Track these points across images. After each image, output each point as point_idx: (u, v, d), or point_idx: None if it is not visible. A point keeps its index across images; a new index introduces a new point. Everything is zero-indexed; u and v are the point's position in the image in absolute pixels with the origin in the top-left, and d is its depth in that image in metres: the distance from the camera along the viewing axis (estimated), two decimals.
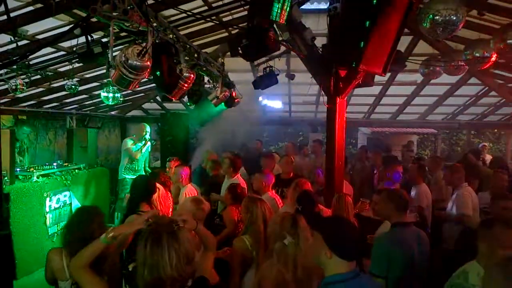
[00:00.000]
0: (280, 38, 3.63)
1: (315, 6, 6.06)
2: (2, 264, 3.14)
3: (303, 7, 4.79)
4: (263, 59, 5.45)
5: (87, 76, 6.36)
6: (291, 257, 2.32)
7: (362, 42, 3.67)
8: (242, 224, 3.67)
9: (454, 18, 3.81)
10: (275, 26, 3.49)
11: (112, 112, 9.70)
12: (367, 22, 3.63)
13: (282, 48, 4.55)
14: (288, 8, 3.08)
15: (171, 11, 4.48)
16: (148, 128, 7.05)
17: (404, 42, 6.22)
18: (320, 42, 4.61)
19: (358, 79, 4.36)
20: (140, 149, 6.80)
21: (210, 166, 6.11)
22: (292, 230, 2.42)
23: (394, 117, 9.98)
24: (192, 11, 4.36)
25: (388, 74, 7.03)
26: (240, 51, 3.45)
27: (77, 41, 4.41)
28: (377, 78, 5.15)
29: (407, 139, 10.99)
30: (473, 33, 5.28)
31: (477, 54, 4.83)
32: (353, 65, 3.85)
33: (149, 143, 7.06)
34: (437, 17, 3.84)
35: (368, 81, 4.71)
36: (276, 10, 3.01)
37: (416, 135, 12.09)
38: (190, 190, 4.86)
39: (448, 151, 10.71)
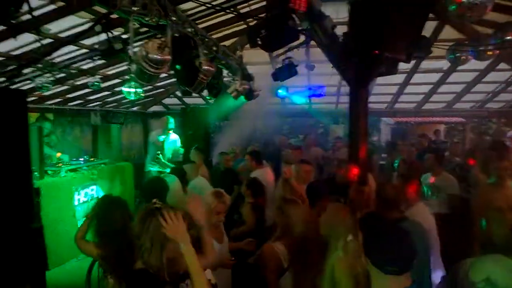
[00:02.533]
0: (300, 28, 3.56)
1: None
2: (35, 256, 3.24)
3: None
4: (282, 50, 5.38)
5: (109, 73, 6.47)
6: (357, 252, 2.20)
7: (385, 29, 3.57)
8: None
9: None
10: (294, 15, 3.41)
11: (134, 108, 9.85)
12: (390, 8, 3.54)
13: (301, 39, 4.48)
14: None
15: (188, 5, 4.47)
16: (171, 120, 7.12)
17: (429, 28, 6.00)
18: (340, 30, 4.52)
19: (381, 67, 4.25)
20: (163, 140, 6.88)
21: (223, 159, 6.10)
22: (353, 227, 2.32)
23: (419, 106, 9.70)
24: (210, 3, 4.33)
25: (413, 62, 6.81)
26: (259, 42, 3.40)
27: (98, 38, 4.51)
28: (401, 65, 5.00)
29: (433, 129, 10.67)
30: (501, 15, 5.03)
31: (508, 38, 4.60)
32: (376, 52, 3.76)
33: (175, 136, 7.13)
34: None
35: (391, 69, 4.58)
36: None
37: (443, 125, 11.71)
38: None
39: (477, 140, 10.36)
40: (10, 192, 2.99)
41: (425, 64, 7.56)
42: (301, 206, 3.12)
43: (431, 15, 4.80)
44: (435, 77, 8.20)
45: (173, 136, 7.16)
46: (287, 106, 8.88)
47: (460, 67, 6.88)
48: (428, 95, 9.07)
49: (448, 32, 6.04)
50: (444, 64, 7.24)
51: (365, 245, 1.72)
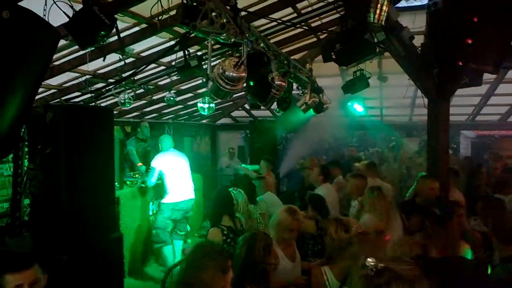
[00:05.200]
0: (376, 40, 3.43)
1: (410, 3, 5.66)
2: (115, 264, 3.43)
3: (397, 5, 4.51)
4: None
5: (182, 88, 6.80)
6: None
7: (470, 39, 3.31)
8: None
9: None
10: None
11: (204, 121, 10.23)
12: (476, 18, 3.27)
13: None
14: (386, 8, 2.89)
15: (260, 21, 4.55)
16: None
17: None
18: (416, 41, 4.29)
19: (465, 78, 3.95)
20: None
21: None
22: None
23: (504, 118, 8.85)
24: (282, 19, 4.36)
25: None
26: (334, 57, 3.33)
27: (176, 56, 4.76)
28: (485, 75, 4.61)
29: None
30: None
31: None
32: (460, 63, 3.49)
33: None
34: None
35: (476, 80, 4.24)
36: (373, 11, 2.84)
37: None
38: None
39: None
40: (98, 202, 3.22)
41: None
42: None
43: None
44: None
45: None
46: (356, 119, 8.62)
47: None
48: None
49: None
50: None
51: None
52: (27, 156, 3.82)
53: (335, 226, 2.65)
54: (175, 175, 5.67)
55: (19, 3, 2.07)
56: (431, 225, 2.61)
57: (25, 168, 3.82)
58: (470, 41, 3.22)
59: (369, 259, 1.32)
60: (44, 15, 2.40)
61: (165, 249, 5.41)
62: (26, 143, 3.29)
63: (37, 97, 3.01)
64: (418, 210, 3.50)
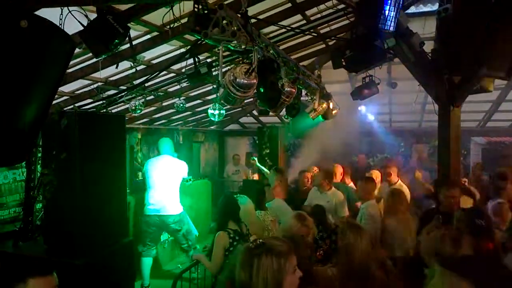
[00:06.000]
0: (386, 46, 3.43)
1: (419, 9, 5.66)
2: (127, 268, 3.46)
3: (407, 11, 4.51)
4: None
5: (192, 94, 6.85)
6: None
7: (482, 45, 3.30)
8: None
9: None
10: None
11: (212, 127, 10.28)
12: (488, 24, 3.26)
13: None
14: (397, 14, 2.90)
15: (269, 28, 4.58)
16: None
17: None
18: (426, 47, 4.27)
19: (476, 84, 3.92)
20: None
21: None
22: (453, 250, 2.16)
23: None
24: (291, 26, 4.39)
25: None
26: (344, 63, 3.33)
27: (186, 63, 4.81)
28: (496, 81, 4.58)
29: None
30: None
31: None
32: (472, 70, 3.48)
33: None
34: None
35: (486, 87, 4.21)
36: (384, 17, 2.85)
37: None
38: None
39: None
40: (111, 207, 3.25)
41: None
42: (365, 233, 2.75)
43: None
44: None
45: None
46: (365, 125, 8.60)
47: None
48: None
49: None
50: None
51: None
52: (39, 162, 3.89)
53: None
54: (153, 184, 5.19)
55: (36, 12, 2.12)
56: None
57: (38, 173, 3.88)
58: (481, 47, 3.20)
59: (253, 237, 1.62)
60: (60, 24, 2.46)
61: (142, 260, 5.20)
62: (40, 148, 3.34)
63: None
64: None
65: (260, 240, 1.69)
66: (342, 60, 3.31)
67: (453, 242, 2.22)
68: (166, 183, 5.22)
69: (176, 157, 5.54)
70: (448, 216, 3.23)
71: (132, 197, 5.44)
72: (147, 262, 5.20)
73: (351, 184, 6.06)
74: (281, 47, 4.79)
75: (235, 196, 3.95)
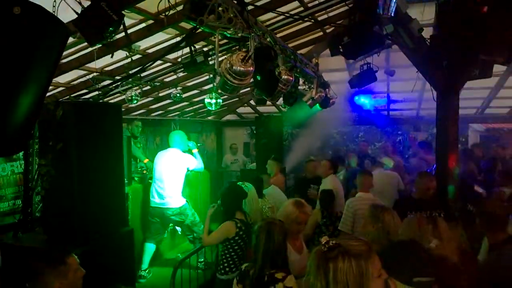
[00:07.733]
0: (384, 32, 3.40)
1: None
2: (127, 257, 3.47)
3: None
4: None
5: (188, 84, 6.80)
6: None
7: (481, 30, 3.27)
8: None
9: None
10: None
11: (209, 117, 10.23)
12: (486, 8, 3.23)
13: None
14: None
15: (267, 16, 4.53)
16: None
17: None
18: (425, 33, 4.24)
19: (475, 70, 3.91)
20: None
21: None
22: (435, 233, 2.21)
23: None
24: (289, 13, 4.34)
25: None
26: (341, 50, 3.31)
27: (182, 51, 4.75)
28: (495, 67, 4.56)
29: None
30: None
31: None
32: (470, 55, 3.46)
33: None
34: None
35: (486, 72, 4.19)
36: (383, 3, 2.82)
37: None
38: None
39: None
40: (109, 196, 3.25)
41: None
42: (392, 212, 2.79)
43: None
44: None
45: None
46: (363, 113, 8.58)
47: None
48: None
49: None
50: None
51: None
52: (37, 153, 3.87)
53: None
54: (157, 177, 5.36)
55: None
56: None
57: (36, 165, 3.87)
58: (480, 33, 3.17)
59: (325, 237, 1.48)
60: (53, 12, 2.42)
61: (145, 244, 5.35)
62: (37, 140, 3.32)
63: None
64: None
65: (334, 241, 1.44)
66: (340, 47, 3.28)
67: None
68: (168, 176, 5.29)
69: (188, 149, 5.62)
70: (422, 202, 3.60)
71: (130, 188, 5.42)
72: (149, 248, 5.33)
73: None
74: (278, 35, 4.74)
75: (239, 184, 3.98)
